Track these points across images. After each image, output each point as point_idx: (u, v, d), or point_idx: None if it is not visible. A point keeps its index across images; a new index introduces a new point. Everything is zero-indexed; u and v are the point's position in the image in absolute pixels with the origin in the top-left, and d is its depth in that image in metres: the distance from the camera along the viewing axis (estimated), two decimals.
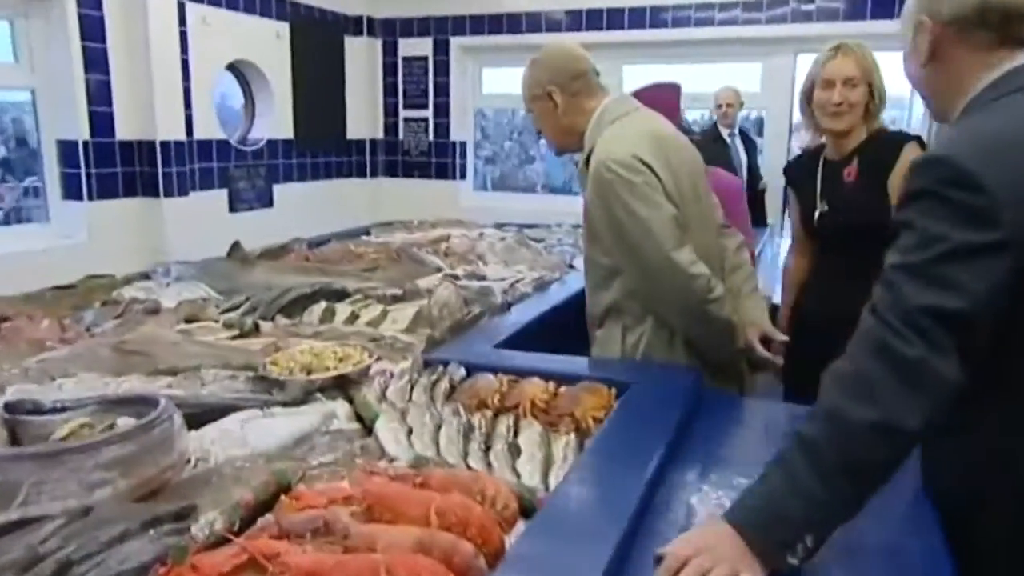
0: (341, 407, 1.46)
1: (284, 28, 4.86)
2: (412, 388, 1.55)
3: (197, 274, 2.62)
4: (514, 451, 1.26)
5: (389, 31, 5.71)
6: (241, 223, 4.63)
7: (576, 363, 1.72)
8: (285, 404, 1.45)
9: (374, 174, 5.93)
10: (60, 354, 1.75)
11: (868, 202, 1.95)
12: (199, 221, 4.17)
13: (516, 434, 1.33)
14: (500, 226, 4.23)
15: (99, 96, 3.69)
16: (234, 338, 1.95)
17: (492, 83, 5.90)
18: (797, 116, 5.38)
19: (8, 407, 1.31)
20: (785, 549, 0.89)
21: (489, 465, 1.22)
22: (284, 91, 4.94)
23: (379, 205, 5.86)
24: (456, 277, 2.60)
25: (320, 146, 5.38)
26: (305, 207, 5.20)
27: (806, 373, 1.66)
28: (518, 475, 1.19)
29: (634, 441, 1.23)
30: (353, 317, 2.14)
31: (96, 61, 3.65)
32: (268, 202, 4.90)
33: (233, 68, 4.61)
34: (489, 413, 1.41)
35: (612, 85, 5.38)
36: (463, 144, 5.81)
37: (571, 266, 2.90)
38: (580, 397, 1.43)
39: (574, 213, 5.04)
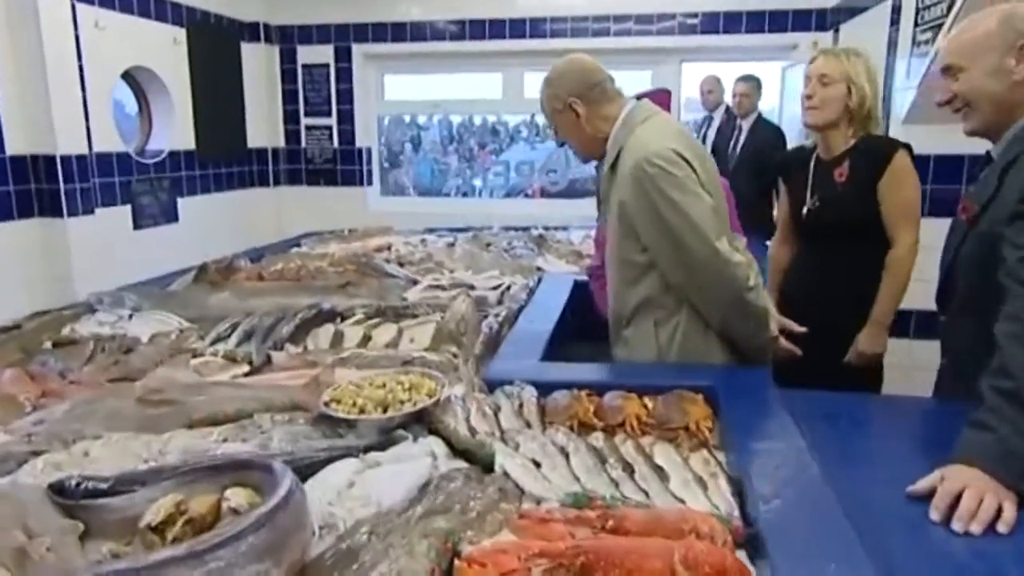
0: (435, 445, 1.25)
1: (181, 33, 4.33)
2: (497, 414, 1.37)
3: (156, 302, 2.23)
4: (662, 473, 1.13)
5: (287, 38, 5.27)
6: (146, 240, 4.09)
7: (644, 371, 1.60)
8: (369, 448, 1.23)
9: (276, 183, 5.48)
10: (59, 411, 1.39)
11: (856, 203, 1.99)
12: (104, 241, 3.63)
13: (642, 454, 1.20)
14: (430, 231, 4.02)
15: None
16: (248, 374, 1.66)
17: (391, 90, 5.63)
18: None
19: (60, 490, 1.01)
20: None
21: (645, 493, 1.08)
22: (184, 99, 4.41)
23: (284, 214, 5.43)
24: (442, 287, 2.40)
25: (223, 156, 4.87)
26: (210, 220, 4.69)
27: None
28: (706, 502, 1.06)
29: (785, 450, 1.14)
30: (366, 339, 1.90)
31: None
32: (173, 217, 4.37)
33: (125, 75, 4.03)
34: (600, 435, 1.27)
35: (514, 90, 5.29)
36: (368, 150, 5.50)
37: (539, 269, 2.78)
38: (683, 408, 1.32)
39: (498, 216, 4.99)
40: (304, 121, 5.42)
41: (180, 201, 4.42)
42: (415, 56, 5.23)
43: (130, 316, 2.10)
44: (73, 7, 3.40)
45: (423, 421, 1.32)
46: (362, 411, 1.33)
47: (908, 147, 1.99)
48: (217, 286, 2.42)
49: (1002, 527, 0.99)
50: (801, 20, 4.60)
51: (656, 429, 1.29)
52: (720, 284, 1.55)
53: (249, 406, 1.39)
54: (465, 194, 7.92)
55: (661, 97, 2.13)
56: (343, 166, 5.48)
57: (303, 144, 5.46)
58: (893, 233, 1.99)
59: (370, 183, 5.55)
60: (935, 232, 2.02)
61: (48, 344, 1.94)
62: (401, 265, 2.92)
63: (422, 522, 0.99)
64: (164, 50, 4.20)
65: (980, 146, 1.68)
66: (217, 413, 1.37)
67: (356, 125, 5.38)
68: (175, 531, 0.92)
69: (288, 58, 5.31)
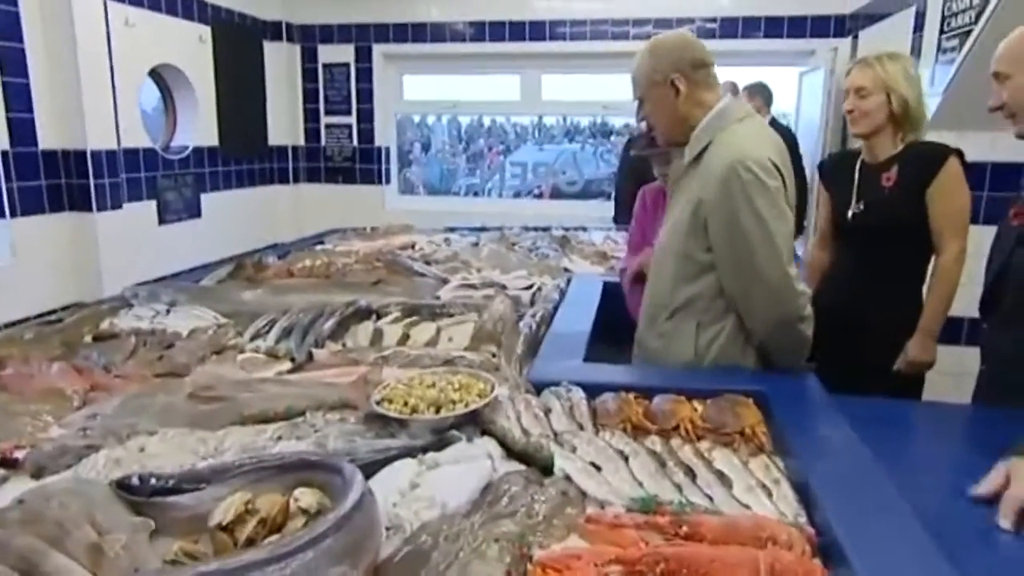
0: (490, 446, 1.23)
1: (206, 31, 4.31)
2: (548, 416, 1.35)
3: (192, 297, 2.21)
4: (724, 479, 1.11)
5: (308, 37, 5.25)
6: (170, 236, 4.08)
7: (690, 374, 1.56)
8: (425, 449, 1.21)
9: (296, 180, 5.46)
10: (110, 406, 1.37)
11: (905, 207, 1.94)
12: (131, 235, 3.61)
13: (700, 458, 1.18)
14: (451, 230, 3.99)
15: (17, 102, 3.06)
16: (291, 371, 1.64)
17: (408, 89, 5.59)
18: None
19: (127, 487, 0.98)
20: None
21: (710, 499, 1.06)
22: (208, 96, 4.39)
23: (303, 211, 5.41)
24: (473, 286, 2.37)
25: (245, 153, 4.85)
26: (232, 216, 4.69)
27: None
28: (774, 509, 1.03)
29: (849, 456, 1.12)
30: (404, 337, 1.87)
31: (13, 63, 3.02)
32: (196, 212, 4.35)
33: (152, 72, 4.01)
34: (656, 439, 1.25)
35: (532, 92, 5.25)
36: (387, 149, 5.48)
37: (566, 270, 2.75)
38: (737, 412, 1.29)
39: (515, 215, 4.96)
40: (324, 120, 5.40)
41: (203, 197, 4.40)
42: (434, 57, 5.21)
43: (167, 311, 2.08)
44: (105, 4, 3.38)
45: (476, 422, 1.30)
46: (414, 411, 1.30)
47: (960, 153, 1.95)
48: (253, 282, 2.39)
49: None
50: (820, 26, 4.56)
51: (711, 434, 1.26)
52: (777, 307, 1.51)
53: (299, 403, 1.37)
54: (476, 194, 7.91)
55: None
56: (362, 164, 5.46)
57: (323, 142, 5.44)
58: (939, 240, 1.94)
59: (388, 182, 5.53)
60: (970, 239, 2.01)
61: (88, 338, 1.92)
62: (428, 263, 2.89)
63: (489, 525, 0.97)
64: (190, 48, 4.18)
65: (1005, 153, 1.67)
66: (268, 410, 1.34)
67: (375, 124, 5.36)
68: (247, 531, 0.90)
69: (309, 57, 5.29)
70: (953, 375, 2.16)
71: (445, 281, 2.53)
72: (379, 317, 2.05)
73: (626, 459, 1.16)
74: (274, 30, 5.06)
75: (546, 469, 1.15)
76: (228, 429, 1.26)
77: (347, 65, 5.31)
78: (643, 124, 4.46)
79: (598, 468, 1.14)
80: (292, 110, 5.33)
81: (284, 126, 5.26)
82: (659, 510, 1.00)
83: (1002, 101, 1.46)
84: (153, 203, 3.97)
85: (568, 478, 1.11)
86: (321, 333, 1.81)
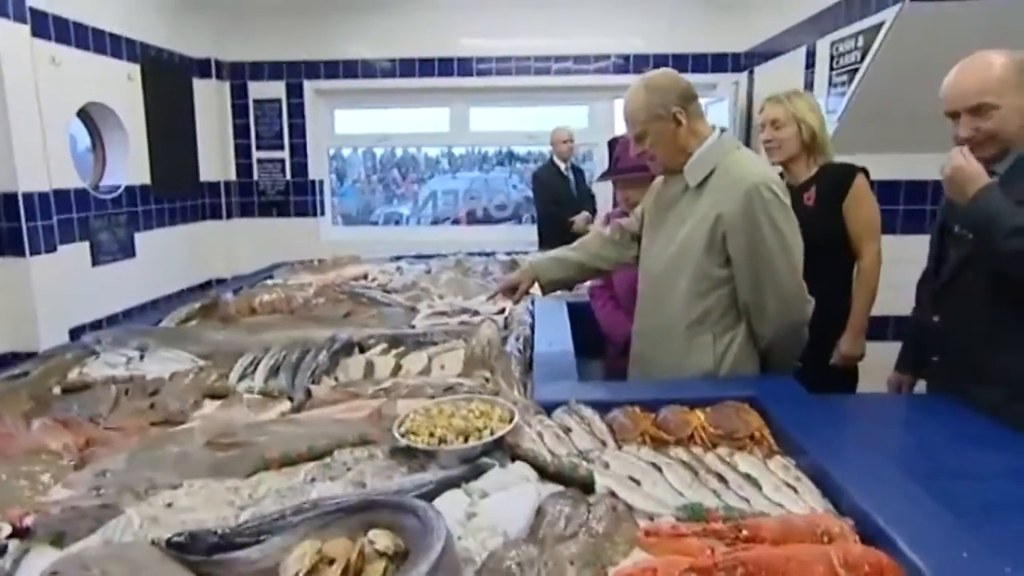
0: (524, 469, 1.20)
1: (135, 69, 4.06)
2: (569, 435, 1.34)
3: (161, 340, 2.05)
4: (752, 481, 1.14)
5: (238, 74, 5.05)
6: (105, 277, 3.79)
7: (685, 385, 1.60)
8: (465, 479, 1.17)
9: (229, 215, 5.20)
10: (119, 460, 1.24)
11: (826, 222, 2.11)
12: (65, 279, 3.32)
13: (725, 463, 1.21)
14: (397, 259, 3.91)
15: None
16: (295, 410, 1.55)
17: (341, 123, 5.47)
18: None
19: (181, 546, 0.89)
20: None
21: (747, 501, 1.09)
22: (139, 135, 4.12)
23: (237, 246, 5.15)
24: (445, 313, 2.33)
25: (177, 190, 4.58)
26: (167, 254, 4.40)
27: None
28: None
29: (850, 447, 1.18)
30: (397, 368, 1.81)
31: None
32: (131, 252, 4.06)
33: (80, 112, 3.73)
34: (679, 449, 1.27)
35: (460, 124, 5.28)
36: (320, 182, 5.32)
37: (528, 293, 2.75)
38: (743, 417, 1.33)
39: (453, 242, 4.90)
40: (256, 154, 5.18)
41: (137, 236, 4.11)
42: (365, 92, 5.13)
43: (140, 356, 1.92)
44: (31, 42, 3.11)
45: (502, 447, 1.28)
46: (442, 441, 1.26)
47: (865, 171, 2.15)
48: (226, 321, 2.24)
49: None
50: (720, 63, 4.86)
51: (725, 440, 1.30)
52: (790, 312, 1.62)
53: (320, 443, 1.29)
54: (398, 222, 7.77)
55: None
56: (296, 197, 5.27)
57: (255, 176, 5.21)
58: (859, 246, 2.13)
59: (323, 213, 5.37)
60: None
61: (57, 390, 1.74)
62: (388, 293, 2.82)
63: (558, 548, 0.95)
64: (119, 86, 3.91)
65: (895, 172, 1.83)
66: (290, 452, 1.26)
67: (308, 158, 5.21)
68: None
69: (239, 93, 5.08)
70: (887, 368, 2.34)
71: (413, 310, 2.48)
72: (363, 350, 1.98)
73: (659, 470, 1.17)
74: (203, 67, 4.82)
75: (585, 487, 1.15)
76: (259, 476, 1.18)
77: (278, 101, 5.14)
78: (561, 153, 4.53)
79: (637, 482, 1.15)
80: (223, 146, 5.09)
81: (215, 162, 5.01)
82: (709, 516, 1.01)
83: (974, 131, 1.46)
84: (86, 244, 3.66)
85: (613, 494, 1.10)
86: (316, 369, 1.72)
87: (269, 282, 3.27)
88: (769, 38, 4.28)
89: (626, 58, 4.94)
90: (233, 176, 5.18)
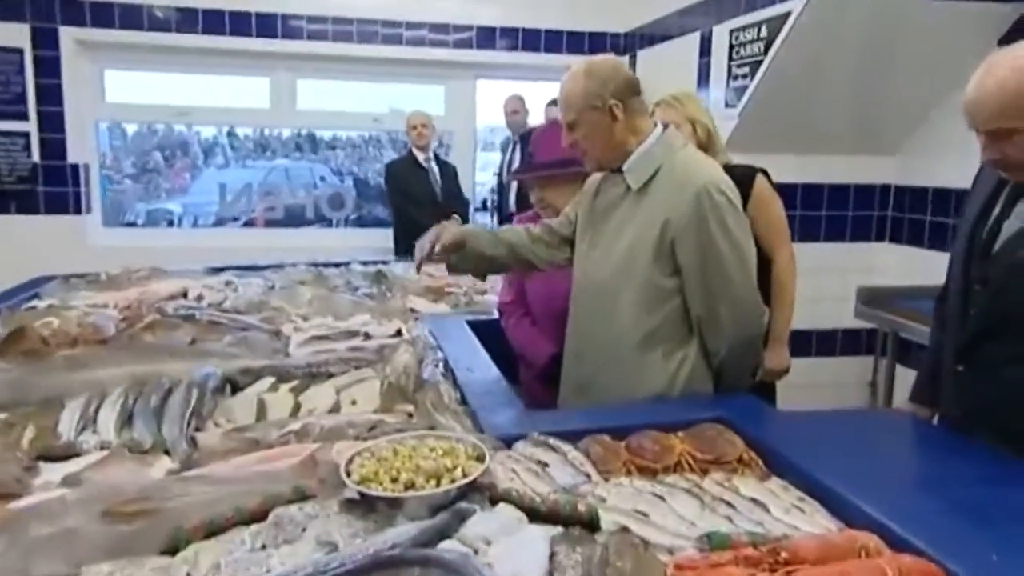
0: (508, 511, 1.30)
1: None
2: (546, 469, 1.45)
3: None
4: (759, 504, 1.33)
5: None
6: None
7: (650, 409, 1.77)
8: (453, 528, 1.23)
9: None
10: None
11: None
12: None
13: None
14: (217, 270, 3.75)
15: None
16: (185, 467, 1.49)
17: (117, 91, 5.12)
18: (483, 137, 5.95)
19: None
20: None
21: (760, 525, 1.27)
22: None
23: None
24: (329, 338, 2.33)
25: None
26: None
27: None
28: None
29: (841, 463, 1.42)
30: (297, 407, 1.80)
31: None
32: None
33: None
34: (675, 476, 1.43)
35: (285, 99, 5.21)
36: (85, 167, 4.92)
37: (412, 310, 2.81)
38: (727, 439, 1.54)
39: (264, 248, 4.72)
40: None
41: None
42: (152, 49, 4.85)
43: None
44: None
45: (479, 489, 1.36)
46: (408, 487, 1.32)
47: (765, 172, 2.55)
48: (33, 355, 2.04)
49: None
50: (597, 42, 5.28)
51: (713, 464, 1.49)
52: (745, 323, 1.83)
53: (248, 502, 1.28)
54: (171, 223, 7.30)
55: None
56: (47, 187, 4.83)
57: None
58: (770, 250, 2.50)
59: (89, 210, 4.97)
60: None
61: None
62: (240, 314, 2.74)
63: None
64: None
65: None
66: (216, 518, 1.23)
67: (67, 134, 4.79)
68: None
69: None
70: (805, 387, 2.74)
71: (277, 334, 2.45)
72: (236, 387, 1.94)
73: (662, 500, 1.33)
74: None
75: (589, 525, 1.27)
76: (193, 549, 1.15)
77: (19, 52, 4.68)
78: (416, 141, 4.64)
79: (643, 514, 1.29)
80: None
81: None
82: (734, 544, 1.18)
83: (1000, 155, 1.48)
84: None
85: (626, 529, 1.24)
86: (191, 412, 1.67)
87: (39, 304, 3.00)
88: (657, 19, 4.75)
89: (490, 31, 5.18)
90: None
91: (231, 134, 7.71)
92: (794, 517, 1.30)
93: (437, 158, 5.05)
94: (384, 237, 5.07)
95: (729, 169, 2.50)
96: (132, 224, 6.77)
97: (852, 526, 1.27)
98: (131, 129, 7.46)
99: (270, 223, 6.67)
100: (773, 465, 1.50)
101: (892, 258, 4.09)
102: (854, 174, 4.07)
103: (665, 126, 1.90)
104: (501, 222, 5.48)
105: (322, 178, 7.60)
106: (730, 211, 1.79)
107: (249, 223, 6.89)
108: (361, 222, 6.48)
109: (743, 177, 2.48)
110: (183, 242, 5.56)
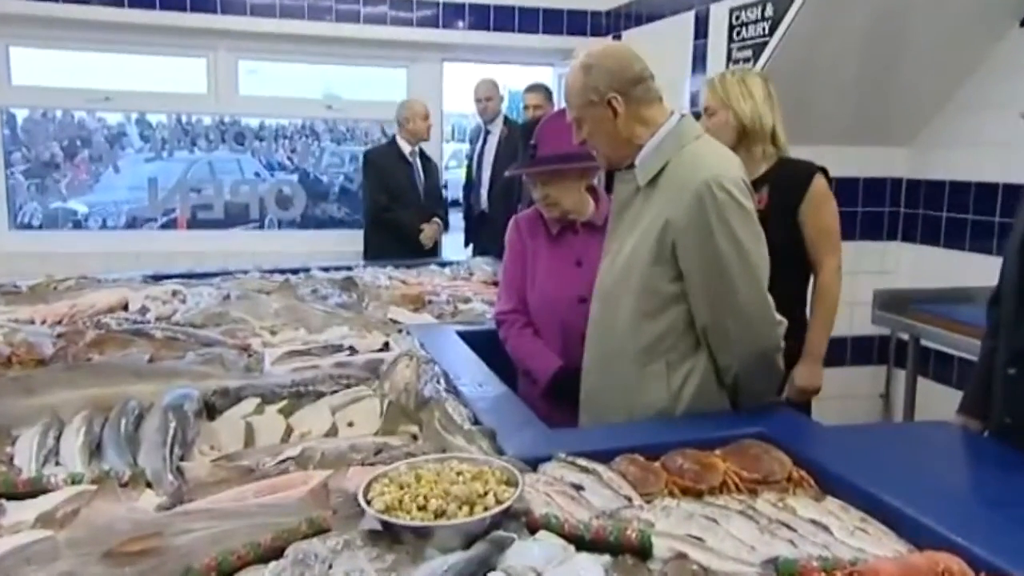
0: (553, 539, 1.33)
1: None
2: (581, 492, 1.49)
3: None
4: (819, 526, 1.38)
5: None
6: None
7: (683, 426, 1.82)
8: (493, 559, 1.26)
9: None
10: None
11: (779, 229, 2.48)
12: None
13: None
14: (155, 278, 3.70)
15: None
16: (177, 500, 1.49)
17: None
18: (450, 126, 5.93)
19: None
20: None
21: (825, 548, 1.32)
22: None
23: None
24: (303, 353, 2.33)
25: None
26: None
27: None
28: None
29: (902, 482, 1.48)
30: (289, 430, 1.81)
31: None
32: None
33: None
34: (725, 498, 1.48)
35: (225, 83, 5.18)
36: None
37: (394, 321, 2.82)
38: (774, 457, 1.59)
39: (221, 252, 4.63)
40: None
41: None
42: (65, 23, 4.74)
43: None
44: None
45: (516, 516, 1.38)
46: (439, 515, 1.34)
47: (824, 170, 2.58)
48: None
49: None
50: (577, 22, 5.35)
51: (762, 484, 1.54)
52: (755, 336, 1.83)
53: (261, 536, 1.30)
54: (77, 224, 7.07)
55: None
56: None
57: None
58: (816, 258, 2.55)
59: None
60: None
61: None
62: (196, 328, 2.73)
63: None
64: None
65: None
66: (227, 555, 1.24)
67: None
68: None
69: None
70: (840, 398, 2.82)
71: (246, 350, 2.44)
72: (213, 409, 1.94)
73: (716, 523, 1.37)
74: None
75: (640, 552, 1.30)
76: None
77: None
78: (416, 133, 4.69)
79: (698, 539, 1.33)
80: None
81: None
82: (805, 569, 1.23)
83: None
84: None
85: (683, 556, 1.28)
86: (174, 439, 1.67)
87: None
88: None
89: (458, 8, 5.21)
90: None
91: (141, 122, 7.53)
92: (859, 539, 1.36)
93: (422, 153, 5.02)
94: (339, 240, 5.06)
95: (786, 165, 2.58)
96: (28, 226, 6.59)
97: (924, 548, 1.33)
98: (21, 115, 7.21)
99: (200, 224, 6.56)
100: (824, 484, 1.56)
101: (905, 258, 4.20)
102: (863, 167, 4.15)
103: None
104: (468, 222, 5.50)
105: (256, 174, 7.50)
106: (735, 210, 1.80)
107: (170, 224, 6.80)
108: (307, 223, 6.42)
109: (800, 175, 2.55)
110: (98, 247, 5.46)
